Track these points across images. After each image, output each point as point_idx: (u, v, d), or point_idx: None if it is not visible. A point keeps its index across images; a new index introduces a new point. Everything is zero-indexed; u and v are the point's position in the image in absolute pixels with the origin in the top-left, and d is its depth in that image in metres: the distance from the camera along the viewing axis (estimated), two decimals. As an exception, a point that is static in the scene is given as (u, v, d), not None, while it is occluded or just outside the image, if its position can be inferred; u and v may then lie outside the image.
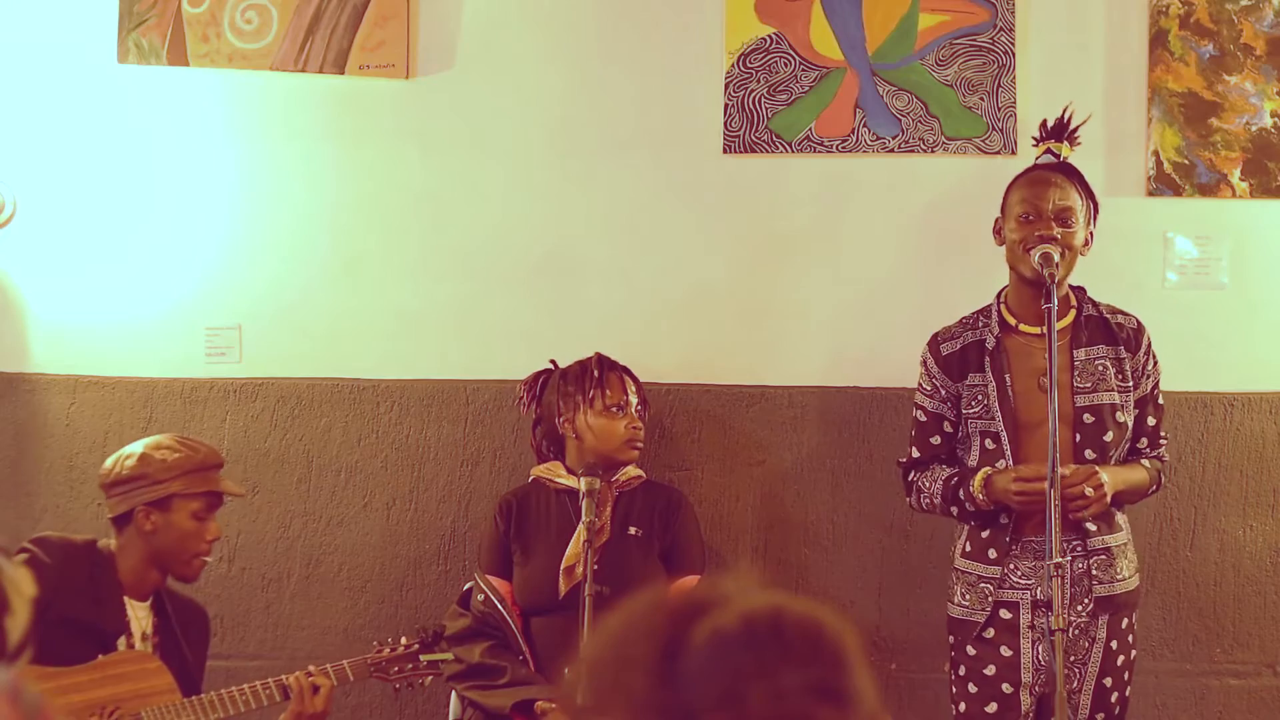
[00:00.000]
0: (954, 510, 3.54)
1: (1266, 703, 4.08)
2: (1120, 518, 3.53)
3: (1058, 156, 3.57)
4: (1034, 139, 3.69)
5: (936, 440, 3.63)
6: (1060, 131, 3.60)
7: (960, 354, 3.59)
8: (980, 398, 3.54)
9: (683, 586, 3.09)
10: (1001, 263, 3.60)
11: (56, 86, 4.21)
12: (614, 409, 3.78)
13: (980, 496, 3.46)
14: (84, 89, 4.21)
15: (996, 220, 3.61)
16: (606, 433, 3.77)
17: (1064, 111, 3.63)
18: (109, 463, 3.45)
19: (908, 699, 4.02)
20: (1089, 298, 3.62)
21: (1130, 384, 3.54)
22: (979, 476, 3.47)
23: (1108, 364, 3.53)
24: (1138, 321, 3.61)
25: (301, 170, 4.23)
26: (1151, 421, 3.60)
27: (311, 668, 3.38)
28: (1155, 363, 3.61)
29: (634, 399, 3.81)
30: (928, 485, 3.59)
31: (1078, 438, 3.48)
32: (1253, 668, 4.10)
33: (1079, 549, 3.48)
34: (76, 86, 4.21)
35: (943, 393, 3.61)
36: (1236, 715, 4.09)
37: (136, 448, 3.43)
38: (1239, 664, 4.10)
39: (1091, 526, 3.47)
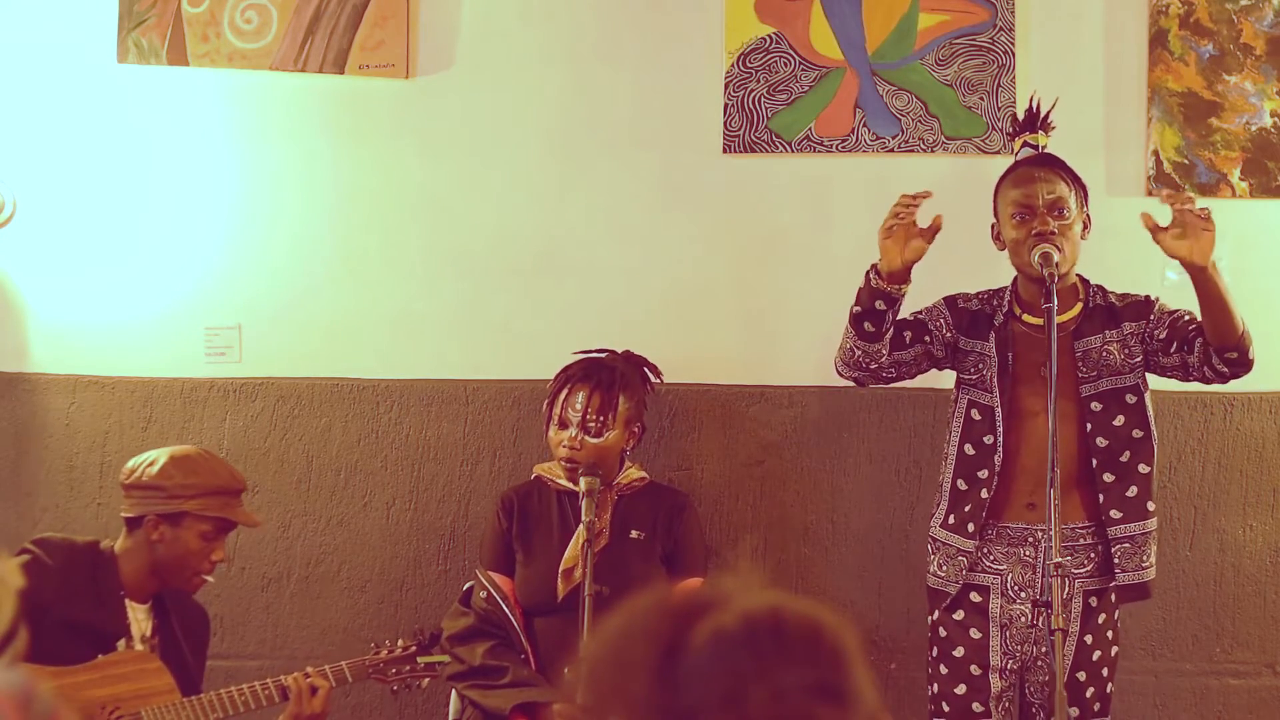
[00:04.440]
0: (854, 306, 3.49)
1: (1266, 703, 4.08)
2: (1151, 504, 3.51)
3: (1037, 148, 3.57)
4: (1008, 134, 3.70)
5: (906, 333, 3.57)
6: (1033, 123, 3.60)
7: (973, 315, 3.60)
8: (981, 367, 3.54)
9: (687, 588, 3.08)
10: (1002, 260, 3.60)
11: (56, 86, 4.21)
12: (559, 422, 3.75)
13: (870, 273, 3.44)
14: (84, 89, 4.21)
15: (993, 225, 3.59)
16: (552, 444, 3.78)
17: (1031, 101, 3.63)
18: (132, 463, 3.44)
19: (907, 699, 4.02)
20: (1098, 287, 3.59)
21: (1140, 358, 3.51)
22: None
23: (1112, 348, 3.51)
24: (1146, 296, 3.58)
25: (301, 170, 4.23)
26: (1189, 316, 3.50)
27: (310, 669, 3.39)
28: (1178, 310, 3.53)
29: (577, 414, 3.71)
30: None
31: (1088, 427, 3.47)
32: (1253, 667, 4.10)
33: (1088, 539, 3.48)
34: (76, 86, 4.21)
35: (942, 323, 3.58)
36: (1236, 715, 4.09)
37: (162, 455, 3.42)
38: (1239, 664, 4.10)
39: (1115, 514, 3.47)
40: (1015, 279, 3.61)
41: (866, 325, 3.48)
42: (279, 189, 4.23)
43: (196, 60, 4.20)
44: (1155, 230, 3.35)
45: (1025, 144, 3.59)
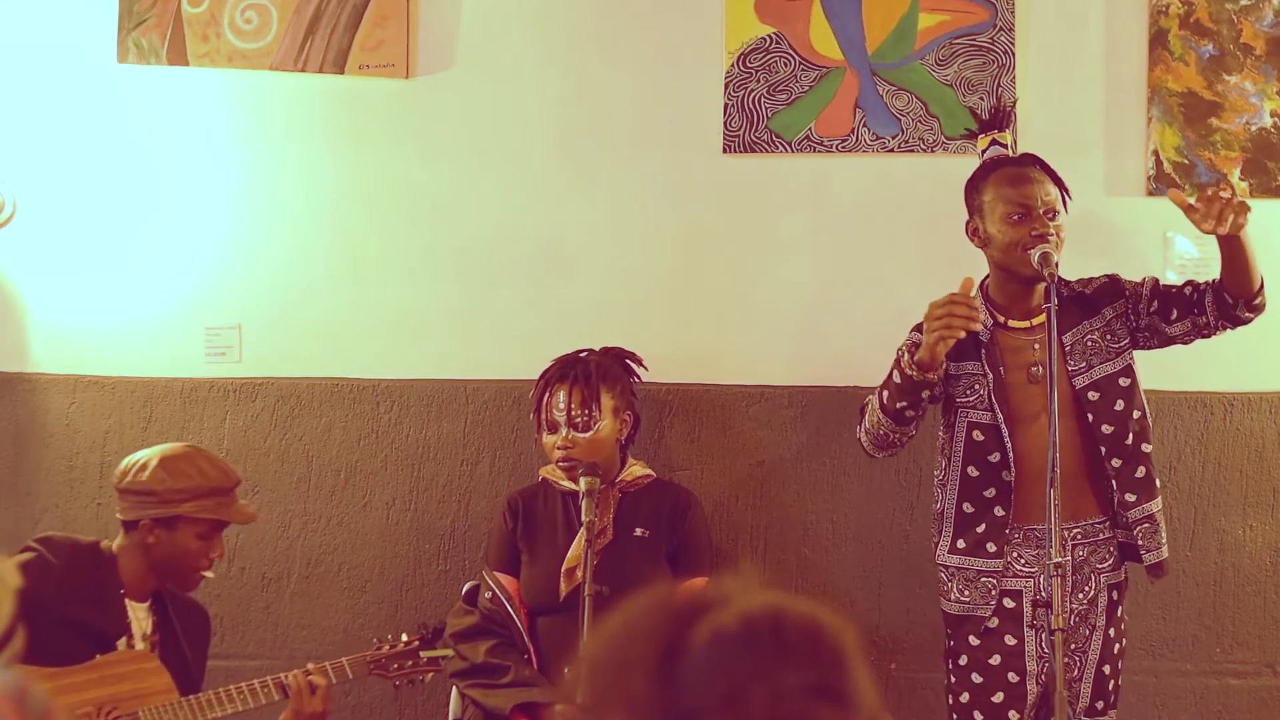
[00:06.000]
0: (884, 396, 3.42)
1: (1266, 703, 4.08)
2: (1158, 481, 3.54)
3: (1006, 146, 3.57)
4: (969, 131, 3.69)
5: None
6: (997, 121, 3.59)
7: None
8: (977, 387, 3.52)
9: (689, 588, 3.07)
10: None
11: (56, 86, 4.21)
12: (548, 426, 3.76)
13: (906, 359, 3.36)
14: (84, 89, 4.21)
15: (968, 223, 3.57)
16: (546, 449, 3.79)
17: (999, 100, 3.66)
18: (124, 465, 3.43)
19: (908, 699, 4.02)
20: (1062, 280, 3.58)
21: (1127, 340, 3.53)
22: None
23: (1095, 336, 3.53)
24: (1108, 275, 3.60)
25: (301, 170, 4.23)
26: (1181, 283, 3.55)
27: (310, 666, 3.39)
28: (1143, 279, 3.58)
29: (562, 413, 3.72)
30: (873, 394, 3.51)
31: (1090, 418, 3.48)
32: (1253, 668, 4.10)
33: (1106, 533, 3.49)
34: (76, 86, 4.21)
35: None
36: (1236, 715, 4.09)
37: (152, 458, 3.40)
38: (1239, 664, 4.10)
39: (1130, 497, 3.48)
40: (983, 284, 3.59)
41: (908, 413, 3.44)
42: (279, 189, 4.23)
43: (196, 60, 4.20)
44: (1186, 210, 3.33)
45: (994, 142, 3.58)
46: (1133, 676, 3.99)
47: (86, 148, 4.21)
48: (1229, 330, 3.53)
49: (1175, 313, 3.51)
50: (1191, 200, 3.32)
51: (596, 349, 3.88)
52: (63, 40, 4.21)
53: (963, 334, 3.32)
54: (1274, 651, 4.10)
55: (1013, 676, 3.49)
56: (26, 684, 1.46)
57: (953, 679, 3.57)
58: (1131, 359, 3.55)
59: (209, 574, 3.45)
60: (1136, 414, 3.52)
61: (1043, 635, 3.47)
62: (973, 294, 3.39)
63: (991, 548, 3.49)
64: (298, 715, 3.34)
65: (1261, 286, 3.46)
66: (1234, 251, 3.37)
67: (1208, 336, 3.55)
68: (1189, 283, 3.54)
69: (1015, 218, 3.45)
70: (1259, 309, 3.49)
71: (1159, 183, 4.07)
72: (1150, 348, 3.59)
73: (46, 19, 4.21)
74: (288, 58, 4.19)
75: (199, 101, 4.23)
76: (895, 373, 3.41)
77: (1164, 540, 3.54)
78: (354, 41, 4.17)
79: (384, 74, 4.17)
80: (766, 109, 4.12)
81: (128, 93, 4.21)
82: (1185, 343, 3.58)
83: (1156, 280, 3.58)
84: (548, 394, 3.77)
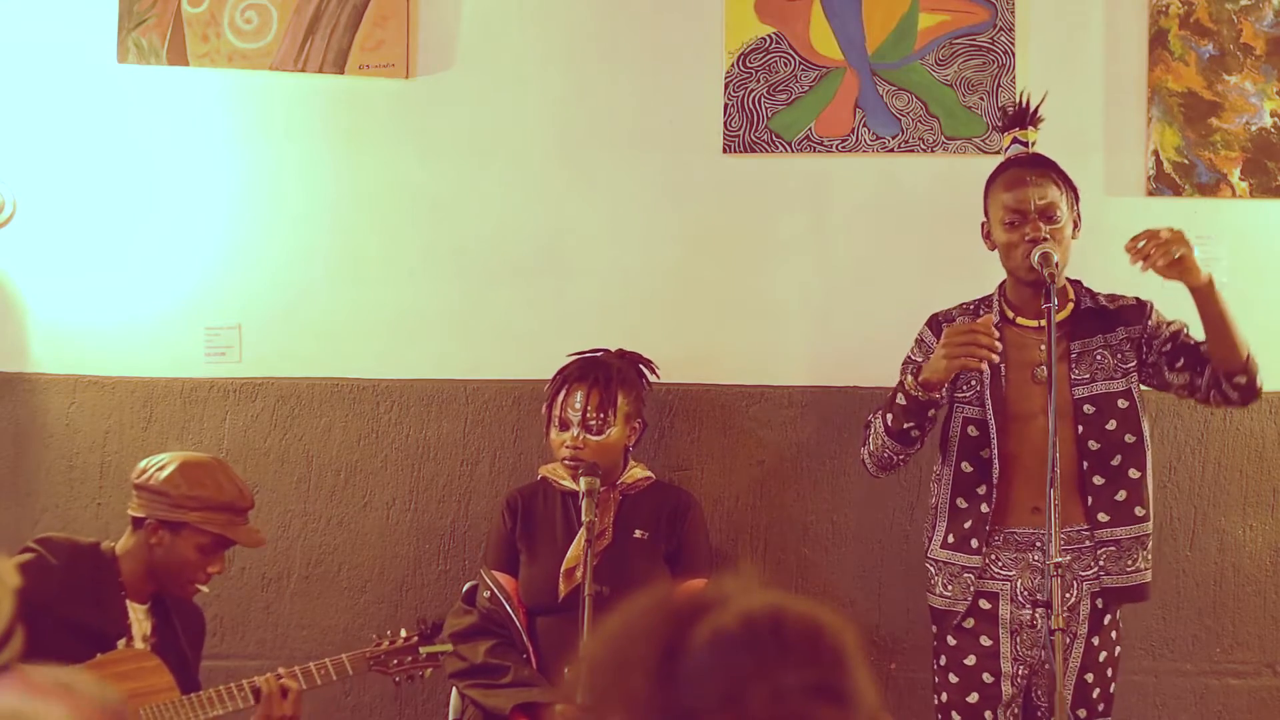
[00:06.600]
0: (888, 418, 3.43)
1: (1266, 703, 4.09)
2: (1140, 510, 3.48)
3: (1026, 144, 3.55)
4: (997, 128, 3.68)
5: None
6: (1022, 118, 3.58)
7: None
8: (973, 382, 3.51)
9: (689, 588, 3.07)
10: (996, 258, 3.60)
11: (56, 86, 4.21)
12: (559, 423, 3.75)
13: (910, 381, 3.37)
14: (84, 89, 4.21)
15: (983, 225, 3.57)
16: (554, 446, 3.77)
17: (1021, 97, 3.64)
18: (144, 463, 3.44)
19: (907, 699, 4.02)
20: (1087, 289, 3.59)
21: (1134, 364, 3.49)
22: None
23: (1106, 353, 3.50)
24: (1139, 299, 3.56)
25: (301, 170, 4.23)
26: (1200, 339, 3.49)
27: (281, 670, 3.38)
28: (1174, 321, 3.53)
29: (577, 414, 3.71)
30: (875, 414, 3.53)
31: (1080, 429, 3.46)
32: (1253, 668, 4.10)
33: (1091, 541, 3.48)
34: (76, 86, 4.21)
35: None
36: (1236, 715, 4.09)
37: (173, 461, 3.41)
38: (1239, 664, 4.10)
39: (1103, 517, 3.45)
40: (1002, 284, 3.60)
41: (914, 433, 3.45)
42: (279, 189, 4.24)
43: (196, 60, 4.20)
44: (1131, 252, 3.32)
45: (1015, 140, 3.57)
46: (1133, 676, 3.99)
47: (86, 148, 4.21)
48: (1221, 405, 3.47)
49: (1181, 362, 3.46)
50: (1139, 244, 3.29)
51: (613, 350, 3.87)
52: (63, 40, 4.21)
53: (981, 365, 3.33)
54: (1274, 651, 4.10)
55: (987, 677, 3.48)
56: (124, 703, 1.45)
57: (935, 679, 3.58)
58: (1135, 384, 3.52)
59: (204, 588, 3.45)
60: (1130, 438, 3.47)
61: (1019, 637, 3.46)
62: (994, 323, 3.38)
63: (974, 544, 3.49)
64: (267, 718, 3.33)
65: (1247, 364, 3.38)
66: (1203, 306, 3.33)
67: (1200, 401, 3.49)
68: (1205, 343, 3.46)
69: (1010, 222, 3.45)
70: (1244, 390, 3.40)
71: (1159, 183, 4.07)
72: (1150, 385, 3.56)
73: (46, 19, 4.21)
74: (288, 58, 4.19)
75: (199, 101, 4.23)
76: (899, 395, 3.42)
77: (1133, 568, 3.47)
78: (354, 41, 4.17)
79: (384, 74, 4.18)
80: (766, 109, 4.12)
81: (128, 93, 4.22)
82: (1178, 395, 3.53)
83: (1184, 328, 3.51)
84: (564, 392, 3.76)
